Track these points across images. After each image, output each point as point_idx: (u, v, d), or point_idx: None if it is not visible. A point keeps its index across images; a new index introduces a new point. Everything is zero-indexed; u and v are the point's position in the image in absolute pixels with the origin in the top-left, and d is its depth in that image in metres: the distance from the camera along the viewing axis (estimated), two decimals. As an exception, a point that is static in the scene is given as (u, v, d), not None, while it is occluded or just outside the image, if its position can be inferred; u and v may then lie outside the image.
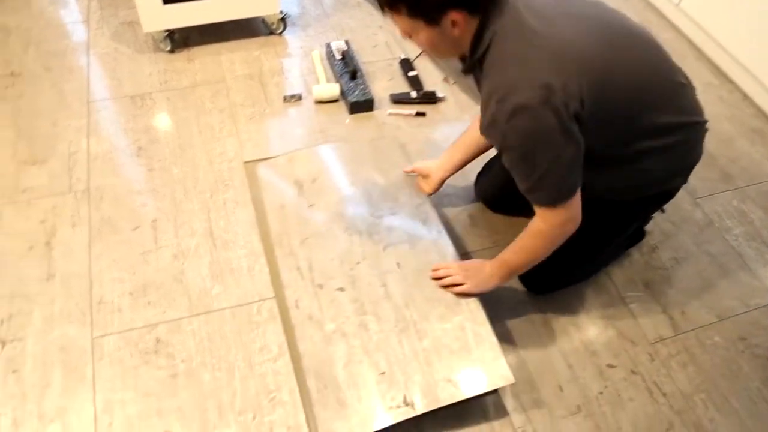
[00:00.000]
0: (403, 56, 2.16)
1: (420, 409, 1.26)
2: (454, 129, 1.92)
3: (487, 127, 1.16)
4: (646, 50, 1.21)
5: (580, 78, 1.08)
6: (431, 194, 1.62)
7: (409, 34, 1.17)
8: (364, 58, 2.15)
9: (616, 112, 1.17)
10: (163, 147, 1.81)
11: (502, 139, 1.14)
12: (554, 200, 1.18)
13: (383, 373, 1.32)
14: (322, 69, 2.04)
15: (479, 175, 1.74)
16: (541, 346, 1.45)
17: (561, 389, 1.38)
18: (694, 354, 1.46)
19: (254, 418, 1.29)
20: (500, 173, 1.51)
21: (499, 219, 1.70)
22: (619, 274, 1.61)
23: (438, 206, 1.67)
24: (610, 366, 1.42)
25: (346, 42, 2.12)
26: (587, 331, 1.49)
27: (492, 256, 1.37)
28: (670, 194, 1.42)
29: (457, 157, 1.56)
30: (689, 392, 1.39)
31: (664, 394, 1.38)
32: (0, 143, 1.79)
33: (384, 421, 1.26)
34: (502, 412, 1.33)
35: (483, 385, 1.30)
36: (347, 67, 2.00)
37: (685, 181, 1.39)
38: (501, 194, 1.66)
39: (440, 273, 1.42)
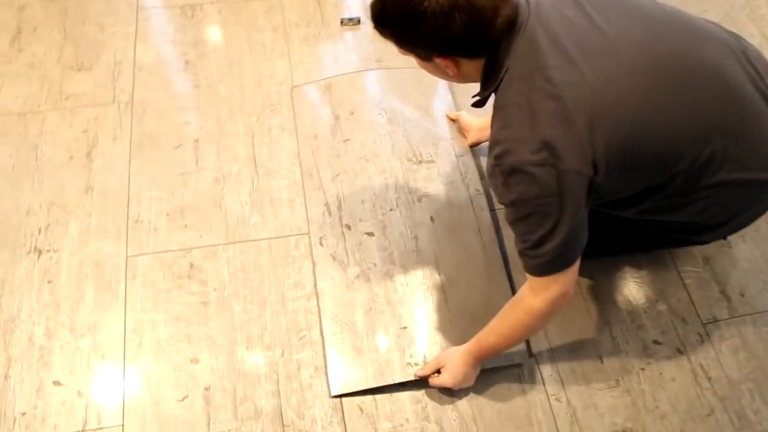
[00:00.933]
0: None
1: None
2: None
3: (489, 176, 1.04)
4: (714, 86, 1.00)
5: (593, 135, 0.92)
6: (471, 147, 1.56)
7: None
8: (429, -16, 1.99)
9: (651, 168, 1.00)
10: (211, 63, 1.74)
11: (499, 196, 1.03)
12: (546, 270, 1.03)
13: (405, 327, 1.29)
14: (384, -8, 1.90)
15: None
16: (586, 314, 1.37)
17: (601, 360, 1.32)
18: (747, 340, 1.37)
19: (282, 354, 1.27)
20: None
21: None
22: (679, 246, 1.50)
23: (479, 157, 1.59)
24: (656, 342, 1.35)
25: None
26: (637, 302, 1.40)
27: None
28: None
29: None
30: (737, 379, 1.31)
31: (709, 379, 1.31)
32: (47, 45, 1.75)
33: (400, 376, 1.23)
34: (536, 377, 1.28)
35: (500, 359, 1.26)
36: (412, -8, 1.86)
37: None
38: None
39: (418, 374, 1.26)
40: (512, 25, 0.96)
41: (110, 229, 1.41)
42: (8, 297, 1.31)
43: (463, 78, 1.07)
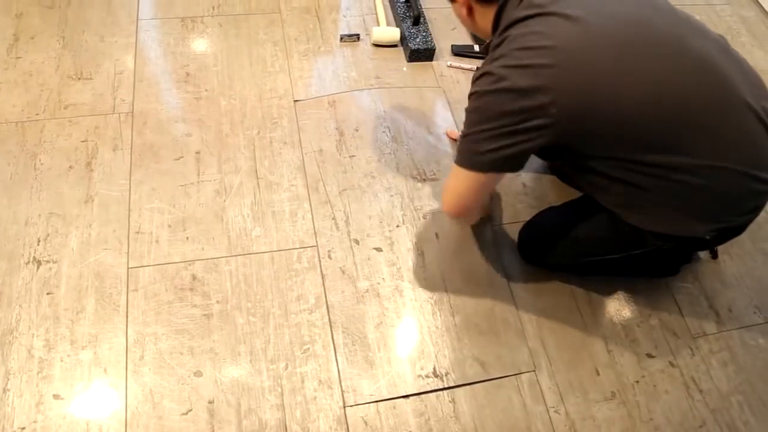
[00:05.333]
0: (468, 5, 2.03)
1: (448, 382, 1.28)
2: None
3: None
4: (699, 70, 1.04)
5: (562, 79, 1.01)
6: None
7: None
8: (426, 4, 2.03)
9: (608, 123, 1.05)
10: (212, 76, 1.74)
11: (470, 93, 1.14)
12: (458, 161, 1.16)
13: (415, 341, 1.33)
14: (382, 10, 1.93)
15: None
16: (583, 328, 1.40)
17: (598, 373, 1.34)
18: (736, 353, 1.41)
19: (286, 368, 1.27)
20: None
21: (541, 190, 1.63)
22: (670, 263, 1.55)
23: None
24: (650, 355, 1.38)
25: (411, -17, 2.00)
26: (630, 317, 1.44)
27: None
28: (694, 240, 1.19)
29: None
30: (726, 392, 1.35)
31: (701, 391, 1.35)
32: (46, 53, 1.73)
33: (412, 388, 1.26)
34: (536, 389, 1.30)
35: (507, 369, 1.31)
36: (411, 11, 1.89)
37: (714, 233, 1.16)
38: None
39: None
40: None
41: (111, 241, 1.40)
42: (6, 309, 1.29)
43: (475, 25, 1.22)
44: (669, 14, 1.09)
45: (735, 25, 2.21)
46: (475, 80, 1.10)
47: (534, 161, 1.65)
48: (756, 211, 1.16)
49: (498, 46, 1.09)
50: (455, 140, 1.64)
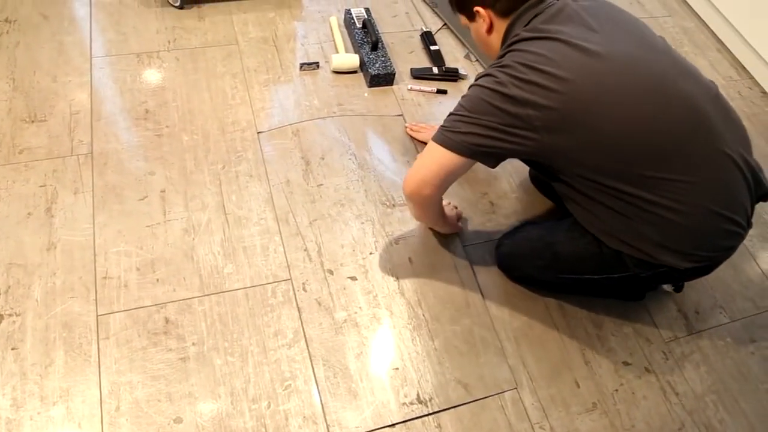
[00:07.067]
0: (424, 29, 2.07)
1: (433, 407, 1.28)
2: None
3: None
4: (681, 109, 1.11)
5: (550, 115, 1.08)
6: None
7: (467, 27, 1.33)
8: (383, 29, 2.05)
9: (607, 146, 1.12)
10: (172, 111, 1.71)
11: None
12: (435, 137, 1.20)
13: (396, 368, 1.32)
14: (340, 36, 1.94)
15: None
16: (560, 342, 1.42)
17: (578, 385, 1.36)
18: (706, 354, 1.46)
19: (269, 406, 1.24)
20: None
21: (510, 208, 1.66)
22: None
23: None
24: (626, 363, 1.41)
25: (366, 10, 2.02)
26: (604, 327, 1.47)
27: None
28: (669, 270, 1.21)
29: None
30: (701, 393, 1.39)
31: (677, 394, 1.38)
32: (-7, 97, 1.67)
33: (397, 416, 1.25)
34: (519, 406, 1.31)
35: (489, 389, 1.32)
36: (368, 37, 1.91)
37: (685, 265, 1.18)
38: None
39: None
40: (536, 3, 1.18)
41: (77, 288, 1.35)
42: (-32, 368, 1.23)
43: (489, 43, 1.29)
44: (663, 55, 1.15)
45: (677, 36, 2.31)
46: (478, 77, 1.17)
47: (498, 181, 1.69)
48: (730, 250, 1.22)
49: (503, 56, 1.16)
50: (413, 136, 1.73)
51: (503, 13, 1.21)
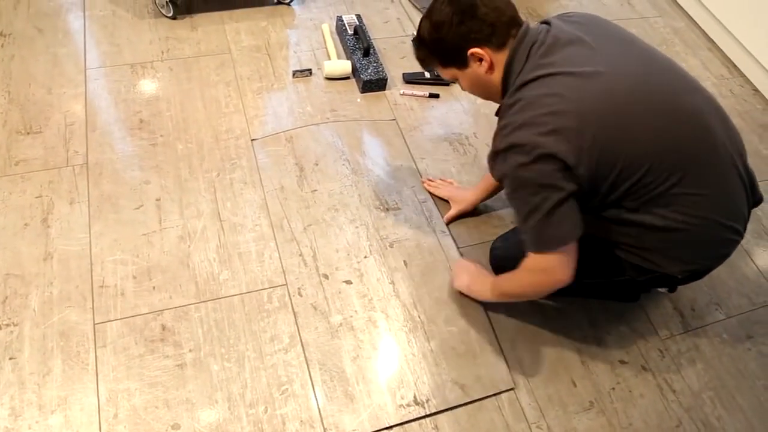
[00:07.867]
0: (415, 34, 2.07)
1: (430, 409, 1.28)
2: (467, 113, 1.87)
3: (490, 158, 1.15)
4: (692, 125, 1.11)
5: (583, 133, 1.04)
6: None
7: (455, 80, 1.23)
8: (375, 34, 2.07)
9: (619, 168, 1.09)
10: (166, 120, 1.72)
11: (499, 173, 1.13)
12: (535, 246, 1.13)
13: (393, 370, 1.33)
14: (332, 43, 1.96)
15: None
16: (556, 342, 1.43)
17: (574, 384, 1.37)
18: (703, 351, 1.46)
19: (266, 411, 1.25)
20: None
21: (504, 210, 1.67)
22: (632, 269, 1.59)
23: (439, 202, 1.66)
24: (622, 362, 1.42)
25: (358, 16, 2.03)
26: (600, 326, 1.47)
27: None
28: (665, 277, 1.24)
29: (478, 195, 1.60)
30: (698, 390, 1.40)
31: (674, 391, 1.38)
32: (-11, 109, 1.68)
33: (394, 419, 1.25)
34: (516, 407, 1.31)
35: (487, 389, 1.32)
36: (360, 43, 1.92)
37: (686, 273, 1.21)
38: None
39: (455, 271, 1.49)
40: (526, 31, 1.13)
41: (74, 297, 1.36)
42: (-34, 378, 1.23)
43: (489, 84, 1.18)
44: (666, 71, 1.14)
45: (668, 36, 2.33)
46: (502, 157, 1.10)
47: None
48: (725, 257, 1.23)
49: (511, 106, 1.11)
50: (431, 191, 1.67)
51: (499, 46, 1.13)
